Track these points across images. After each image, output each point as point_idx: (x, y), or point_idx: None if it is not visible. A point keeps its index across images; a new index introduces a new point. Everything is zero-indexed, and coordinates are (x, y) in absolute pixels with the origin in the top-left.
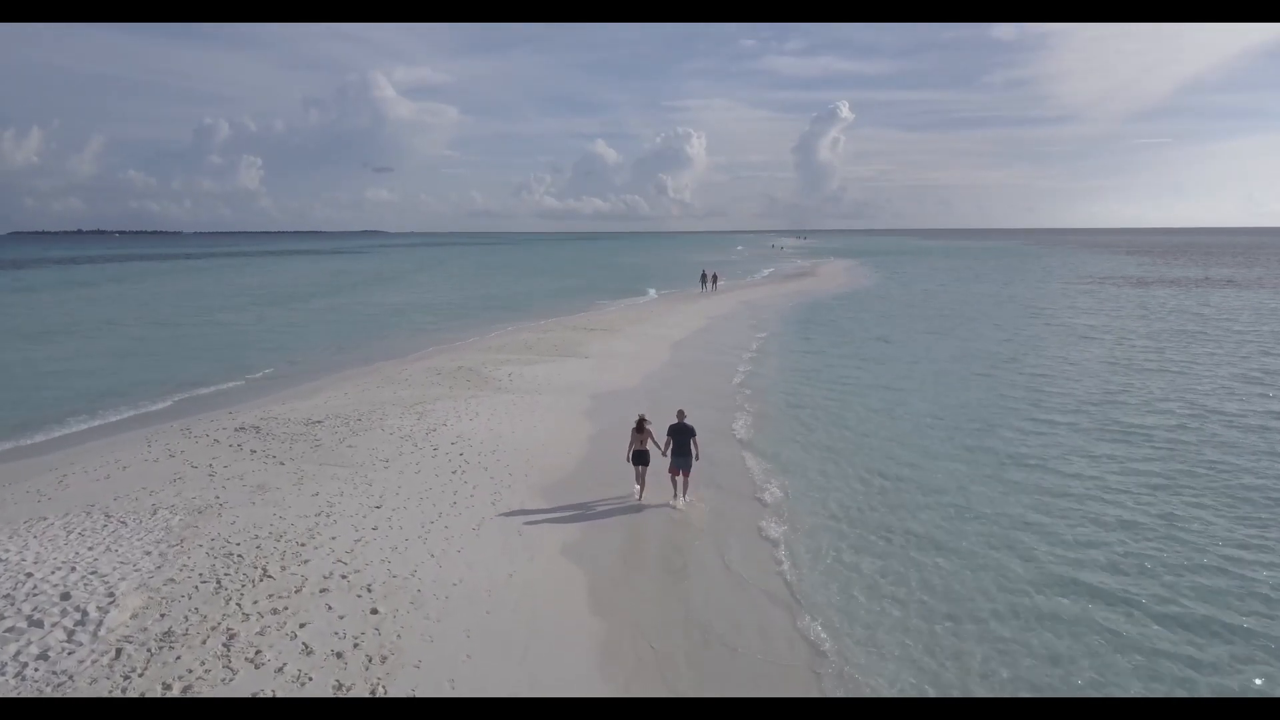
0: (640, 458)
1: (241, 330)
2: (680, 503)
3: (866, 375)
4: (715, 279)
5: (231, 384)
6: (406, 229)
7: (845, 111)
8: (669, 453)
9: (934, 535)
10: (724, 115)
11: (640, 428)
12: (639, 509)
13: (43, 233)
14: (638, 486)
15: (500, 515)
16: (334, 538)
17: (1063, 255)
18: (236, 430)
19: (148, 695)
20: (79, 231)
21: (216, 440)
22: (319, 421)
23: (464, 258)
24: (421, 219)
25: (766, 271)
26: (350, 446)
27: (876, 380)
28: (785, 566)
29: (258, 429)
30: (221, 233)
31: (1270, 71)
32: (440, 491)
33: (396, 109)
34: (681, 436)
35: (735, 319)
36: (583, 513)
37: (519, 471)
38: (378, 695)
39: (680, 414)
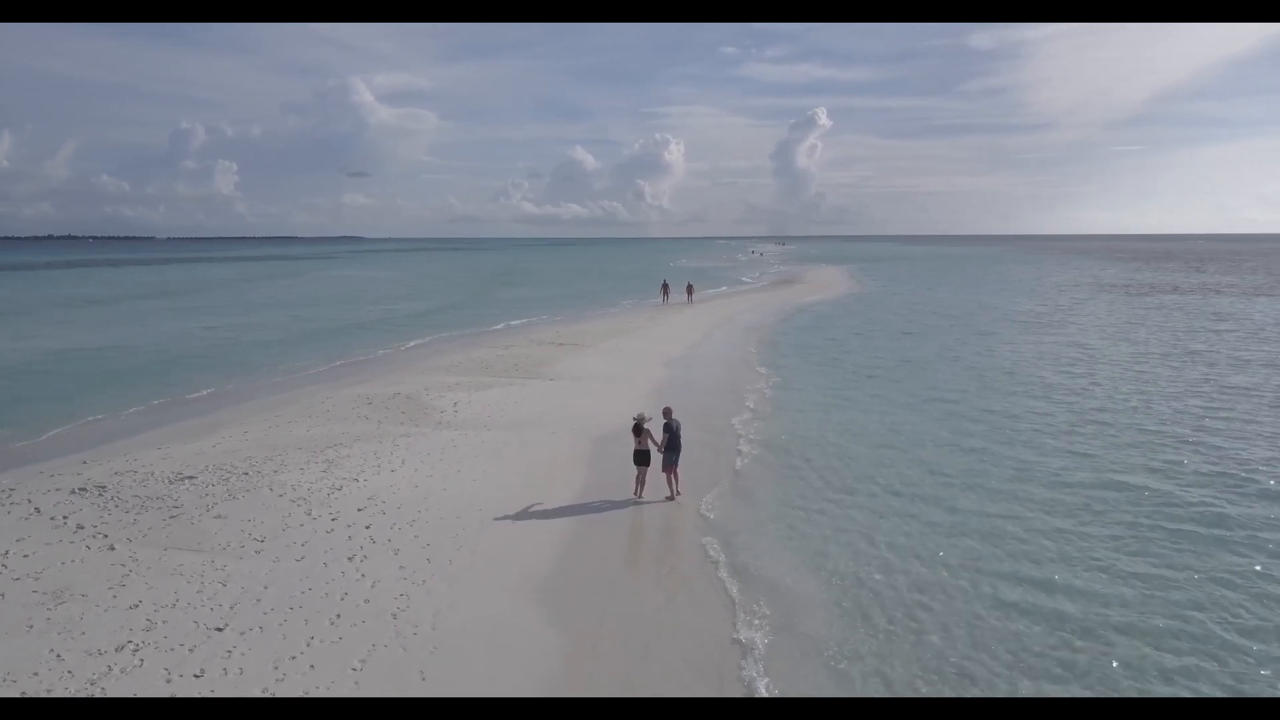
0: (641, 458)
1: (178, 342)
2: (678, 497)
3: (871, 408)
4: (689, 290)
5: (121, 413)
6: (384, 234)
7: (823, 118)
8: (664, 451)
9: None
10: (705, 122)
11: (638, 429)
12: (630, 599)
13: (12, 238)
14: (638, 486)
15: (399, 638)
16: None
17: (1045, 261)
18: (75, 492)
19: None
20: (50, 237)
21: (38, 509)
22: (190, 477)
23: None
24: (400, 224)
25: (748, 278)
26: (218, 517)
27: (882, 415)
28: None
29: (103, 489)
30: (195, 238)
31: (1240, 81)
32: (324, 595)
33: (376, 114)
34: (672, 434)
35: (722, 333)
36: (531, 627)
37: (441, 555)
38: None
39: (666, 411)
